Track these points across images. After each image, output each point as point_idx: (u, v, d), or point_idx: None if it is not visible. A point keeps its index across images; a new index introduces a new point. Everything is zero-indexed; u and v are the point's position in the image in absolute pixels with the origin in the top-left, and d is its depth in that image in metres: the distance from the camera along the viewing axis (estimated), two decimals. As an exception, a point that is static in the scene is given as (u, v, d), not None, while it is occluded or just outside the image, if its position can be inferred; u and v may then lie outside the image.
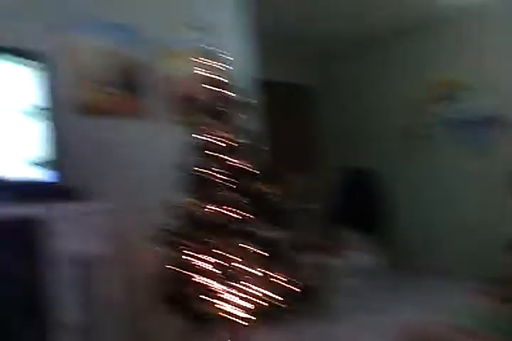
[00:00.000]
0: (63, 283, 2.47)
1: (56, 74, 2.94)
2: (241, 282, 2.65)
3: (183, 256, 2.72)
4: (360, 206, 5.14)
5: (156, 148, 3.45)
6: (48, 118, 2.71)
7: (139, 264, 3.12)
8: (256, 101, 3.42)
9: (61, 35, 3.13)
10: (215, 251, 2.67)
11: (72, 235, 2.53)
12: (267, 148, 3.02)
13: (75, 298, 2.51)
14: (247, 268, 2.65)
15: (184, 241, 2.77)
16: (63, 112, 2.99)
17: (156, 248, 2.80)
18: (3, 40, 2.72)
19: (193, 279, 2.67)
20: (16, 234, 2.38)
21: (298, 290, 2.75)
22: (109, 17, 3.32)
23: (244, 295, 2.64)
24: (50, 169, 2.69)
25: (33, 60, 2.70)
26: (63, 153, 2.81)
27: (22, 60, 2.66)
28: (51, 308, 2.43)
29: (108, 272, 2.67)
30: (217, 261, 2.67)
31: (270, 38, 5.20)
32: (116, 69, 3.34)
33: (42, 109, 2.70)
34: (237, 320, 2.63)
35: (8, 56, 2.61)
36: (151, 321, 3.01)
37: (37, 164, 2.67)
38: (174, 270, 2.75)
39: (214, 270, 2.66)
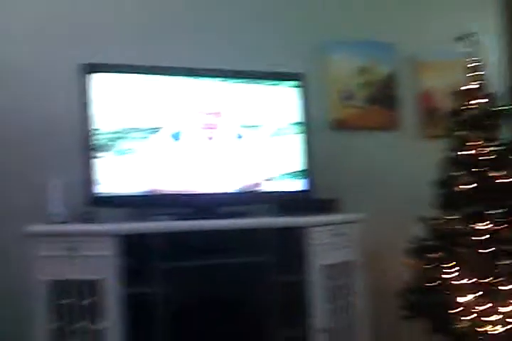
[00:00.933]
0: (318, 290, 2.58)
1: (311, 92, 3.06)
2: (496, 298, 2.55)
3: (435, 270, 2.70)
4: None
5: (408, 161, 3.41)
6: (303, 132, 2.88)
7: (388, 274, 3.14)
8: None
9: (317, 55, 3.30)
10: (469, 265, 2.61)
11: (326, 244, 2.64)
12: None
13: (328, 305, 2.61)
14: (503, 286, 2.55)
15: (436, 255, 2.74)
16: (314, 128, 3.12)
17: (407, 259, 2.78)
18: (261, 65, 2.96)
19: (445, 293, 2.63)
20: (281, 242, 2.54)
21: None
22: (363, 34, 3.39)
23: (499, 312, 2.54)
24: (305, 181, 2.85)
25: (291, 80, 2.90)
26: (316, 165, 2.94)
27: (281, 81, 2.88)
28: (309, 314, 2.56)
29: (358, 280, 2.74)
30: (471, 276, 2.60)
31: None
32: (369, 84, 3.41)
33: (297, 125, 2.87)
34: (490, 336, 2.53)
35: (270, 79, 2.86)
36: (397, 331, 3.01)
37: (293, 176, 2.82)
38: (426, 282, 2.73)
39: (467, 285, 2.60)
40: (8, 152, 2.75)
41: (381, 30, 3.45)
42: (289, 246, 2.61)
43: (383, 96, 3.45)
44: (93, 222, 2.43)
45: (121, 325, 2.28)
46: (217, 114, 2.70)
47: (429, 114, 3.52)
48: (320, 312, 2.57)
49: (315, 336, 2.55)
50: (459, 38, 2.95)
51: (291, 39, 3.27)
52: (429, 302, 2.69)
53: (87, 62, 2.57)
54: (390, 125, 3.45)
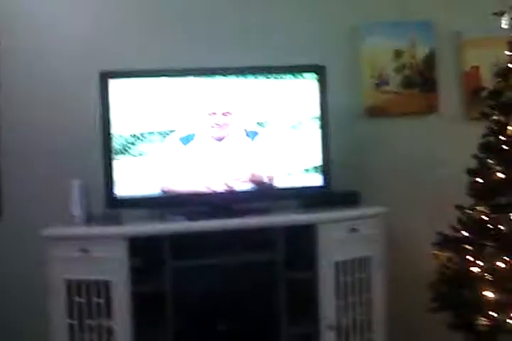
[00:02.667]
0: (328, 287, 2.59)
1: (343, 80, 3.08)
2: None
3: (464, 263, 2.60)
4: None
5: (448, 147, 3.22)
6: (321, 126, 2.81)
7: (414, 269, 3.06)
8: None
9: (347, 40, 3.22)
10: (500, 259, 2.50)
11: (341, 240, 2.62)
12: None
13: (340, 301, 2.61)
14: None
15: (467, 248, 2.64)
16: (345, 117, 3.08)
17: (435, 252, 2.70)
18: (280, 59, 2.94)
19: (472, 287, 2.54)
20: (292, 239, 2.55)
21: None
22: (396, 14, 3.23)
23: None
24: (324, 175, 2.80)
25: (310, 72, 2.83)
26: (340, 158, 2.92)
27: (300, 75, 2.82)
28: (318, 310, 2.58)
29: (376, 276, 2.69)
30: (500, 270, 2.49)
31: None
32: (406, 67, 3.26)
33: (318, 118, 2.81)
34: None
35: (286, 73, 2.80)
36: (417, 327, 3.01)
37: (311, 171, 2.81)
38: (452, 276, 2.65)
39: (495, 280, 2.49)
40: (34, 154, 2.97)
41: (417, 8, 3.26)
42: (301, 243, 2.62)
43: (422, 79, 3.28)
44: (112, 224, 2.58)
45: (130, 323, 2.43)
46: (230, 112, 2.72)
47: (474, 94, 3.30)
48: (329, 310, 2.57)
49: (323, 333, 2.55)
50: (502, 13, 2.76)
51: (317, 23, 3.18)
52: (455, 296, 2.60)
53: (105, 68, 2.70)
54: (429, 109, 3.29)
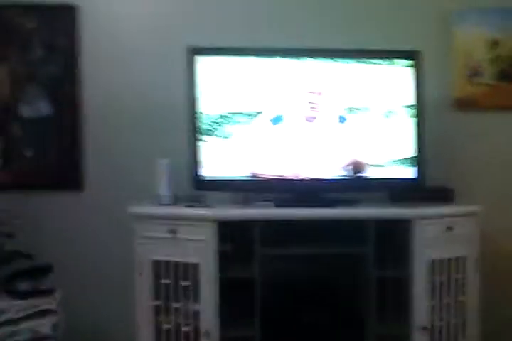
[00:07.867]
0: (421, 287, 2.46)
1: (434, 70, 2.88)
2: None
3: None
4: None
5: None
6: (416, 116, 2.67)
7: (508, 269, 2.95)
8: None
9: (441, 27, 3.03)
10: None
11: (436, 238, 2.48)
12: None
13: (432, 302, 2.48)
14: None
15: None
16: (434, 108, 2.91)
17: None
18: (371, 43, 2.81)
19: None
20: (383, 233, 2.43)
21: None
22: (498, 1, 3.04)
23: None
24: (416, 168, 2.66)
25: (404, 58, 2.68)
26: (433, 150, 2.78)
27: (394, 60, 2.68)
28: (411, 310, 2.45)
29: (471, 277, 2.55)
30: None
31: None
32: (502, 58, 3.08)
33: (410, 107, 2.67)
34: None
35: (380, 58, 2.66)
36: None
37: (403, 163, 2.66)
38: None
39: None
40: (122, 130, 2.91)
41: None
42: (394, 238, 2.50)
43: (515, 72, 3.11)
44: (197, 205, 2.48)
45: (216, 307, 2.35)
46: (320, 94, 2.60)
47: None
48: (421, 310, 2.44)
49: (414, 334, 2.43)
50: None
51: (410, 10, 3.02)
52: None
53: (195, 44, 2.59)
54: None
